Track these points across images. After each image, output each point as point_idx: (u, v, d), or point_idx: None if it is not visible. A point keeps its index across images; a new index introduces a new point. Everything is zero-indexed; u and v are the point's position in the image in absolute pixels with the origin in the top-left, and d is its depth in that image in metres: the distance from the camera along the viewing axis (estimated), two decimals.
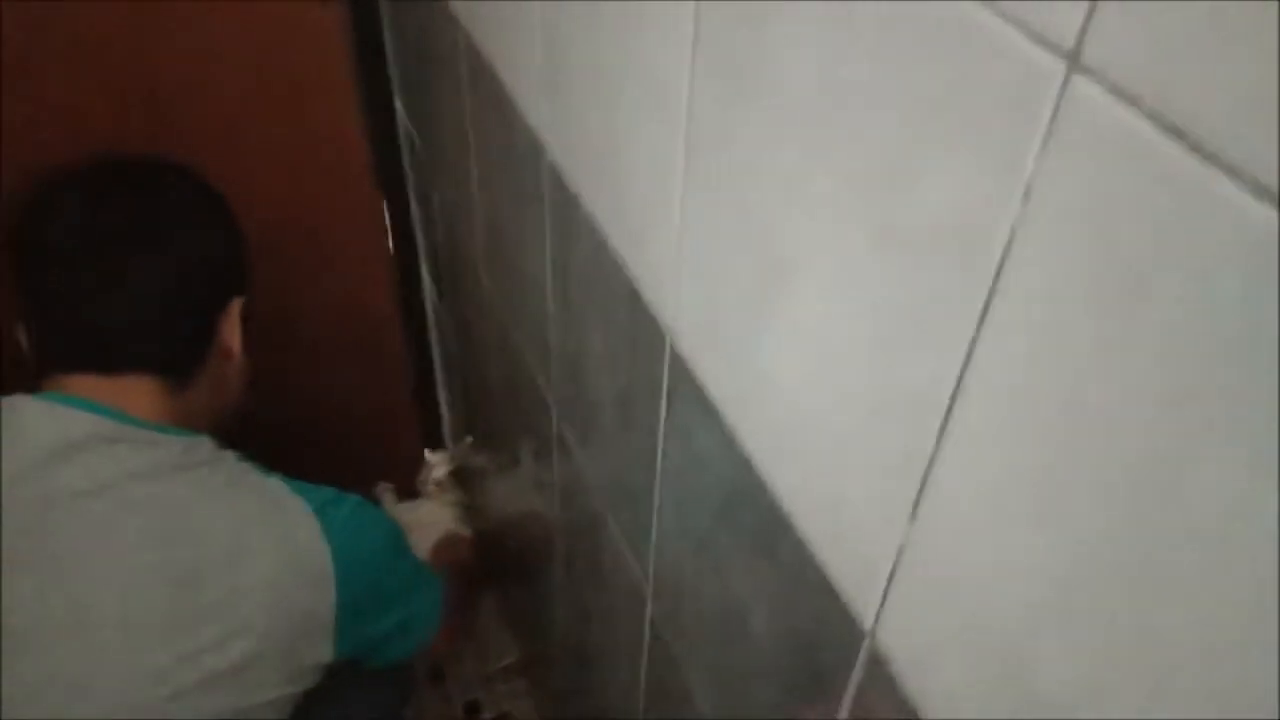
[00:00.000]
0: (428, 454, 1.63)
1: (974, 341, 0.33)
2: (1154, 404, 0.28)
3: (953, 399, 0.35)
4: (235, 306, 0.89)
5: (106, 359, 0.81)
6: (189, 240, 0.85)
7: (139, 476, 0.76)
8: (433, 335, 1.48)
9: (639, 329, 0.59)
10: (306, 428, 1.40)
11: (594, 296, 0.66)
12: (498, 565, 1.44)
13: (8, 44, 0.99)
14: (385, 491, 1.53)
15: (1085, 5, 0.26)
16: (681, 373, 0.54)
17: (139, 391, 0.81)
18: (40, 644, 0.71)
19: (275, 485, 0.81)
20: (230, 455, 0.83)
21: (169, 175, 0.88)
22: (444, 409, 1.59)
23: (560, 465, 0.89)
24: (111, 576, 0.73)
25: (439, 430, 1.62)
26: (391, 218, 1.30)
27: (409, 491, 1.56)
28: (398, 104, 1.18)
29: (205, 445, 0.82)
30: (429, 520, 1.46)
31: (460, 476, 1.53)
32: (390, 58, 1.15)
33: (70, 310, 0.81)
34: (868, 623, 0.43)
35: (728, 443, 0.51)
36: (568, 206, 0.66)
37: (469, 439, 1.49)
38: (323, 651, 0.80)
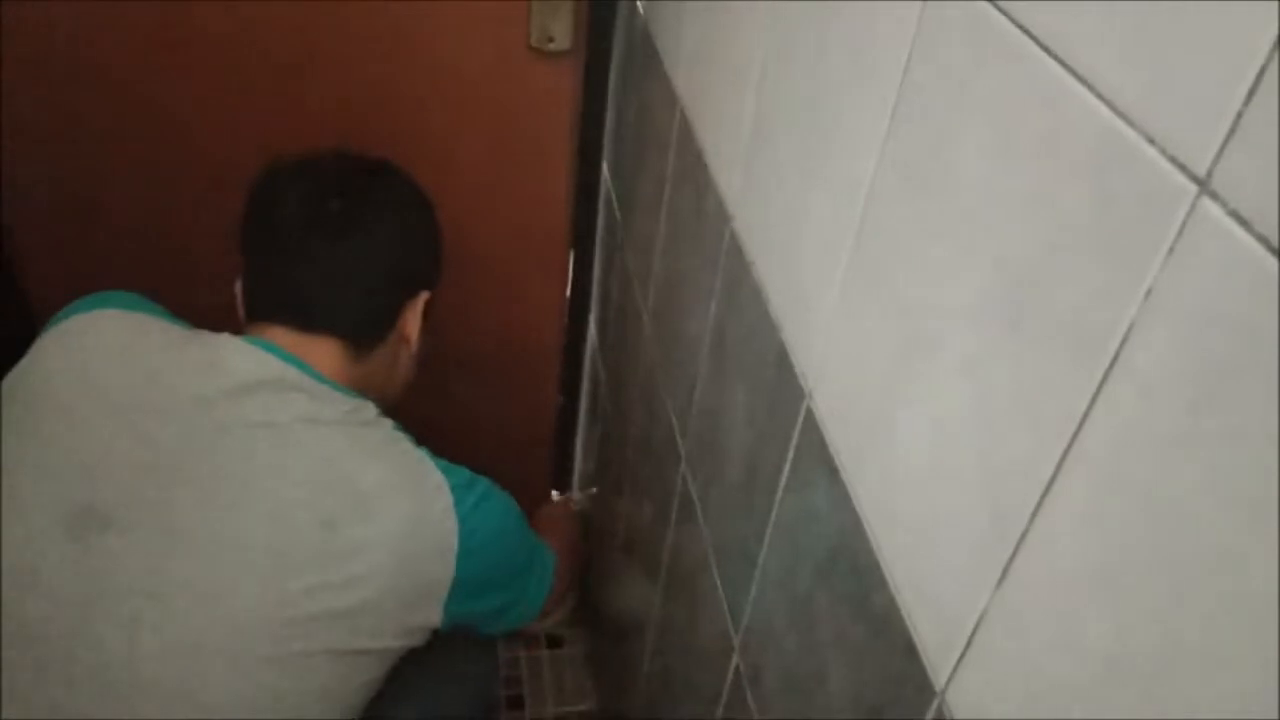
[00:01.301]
0: (554, 495, 1.70)
1: (1080, 427, 0.37)
2: (1228, 503, 0.31)
3: (1052, 479, 0.39)
4: (421, 299, 1.00)
5: (304, 317, 0.92)
6: (396, 231, 0.96)
7: (307, 421, 0.85)
8: (584, 383, 1.56)
9: (781, 388, 0.64)
10: (446, 441, 1.49)
11: (745, 355, 0.72)
12: (594, 611, 1.49)
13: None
14: None
15: (1218, 141, 0.31)
16: (812, 431, 0.59)
17: (324, 351, 0.92)
18: (189, 548, 0.80)
19: (420, 457, 0.89)
20: (389, 423, 0.92)
21: (388, 172, 1.00)
22: (578, 455, 1.66)
23: (678, 516, 0.94)
24: (265, 503, 0.82)
25: (569, 475, 1.69)
26: (574, 266, 1.39)
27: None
28: (605, 165, 1.28)
29: (369, 409, 0.91)
30: None
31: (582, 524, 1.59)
32: (608, 122, 1.25)
33: (282, 273, 0.93)
34: (940, 682, 0.46)
35: (842, 500, 0.55)
36: (740, 270, 0.72)
37: (594, 489, 1.55)
38: (432, 616, 0.87)
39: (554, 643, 1.57)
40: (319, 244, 0.92)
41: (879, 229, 0.52)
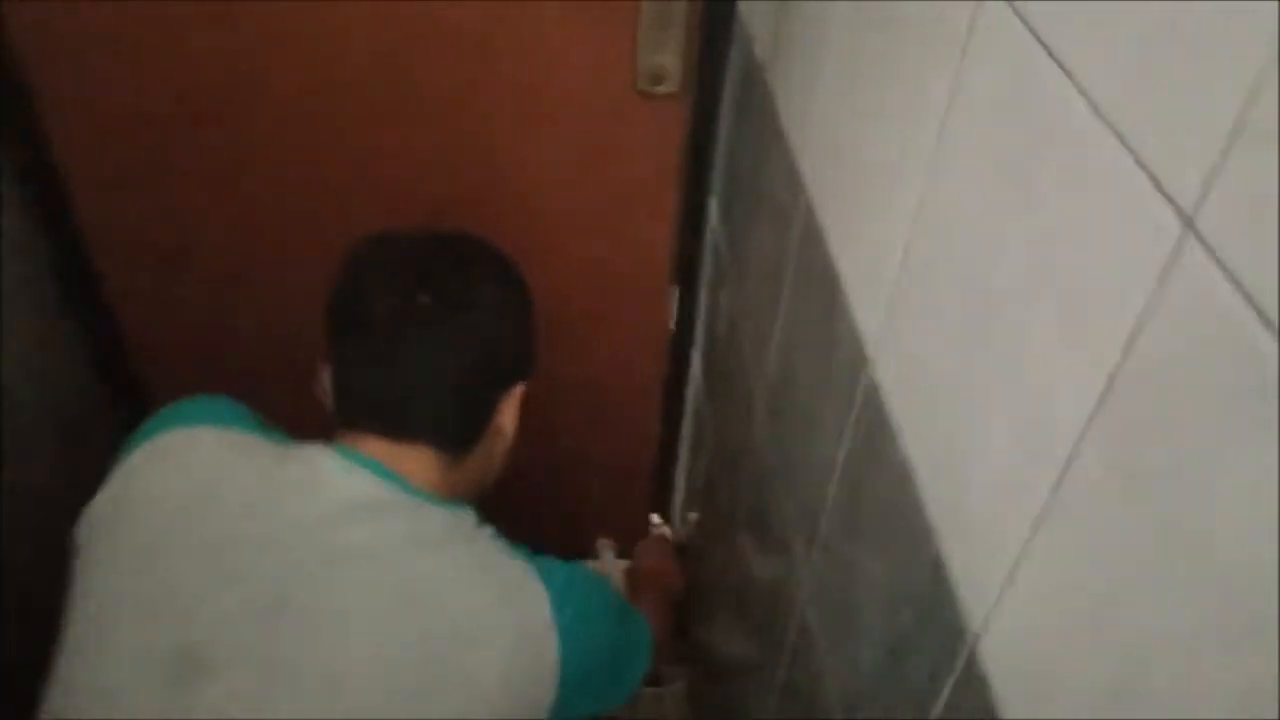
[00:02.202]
0: (653, 518, 1.65)
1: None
2: None
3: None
4: (518, 391, 0.94)
5: (397, 426, 0.86)
6: (492, 327, 0.90)
7: (408, 545, 0.81)
8: (687, 413, 1.49)
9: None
10: (548, 472, 1.45)
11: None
12: (695, 645, 1.44)
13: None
14: (606, 548, 1.56)
15: None
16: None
17: (418, 460, 0.87)
18: (291, 690, 0.76)
19: (520, 570, 0.84)
20: (487, 532, 0.87)
21: (482, 258, 0.93)
22: (679, 483, 1.60)
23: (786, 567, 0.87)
24: (369, 638, 0.78)
25: (669, 501, 1.63)
26: (680, 302, 1.32)
27: (628, 551, 1.58)
28: (712, 205, 1.19)
29: (467, 520, 0.86)
30: None
31: (680, 552, 1.53)
32: (717, 160, 1.16)
33: (372, 378, 0.87)
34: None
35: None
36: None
37: (694, 515, 1.49)
38: None
39: (652, 680, 1.52)
40: (409, 346, 0.86)
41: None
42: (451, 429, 0.89)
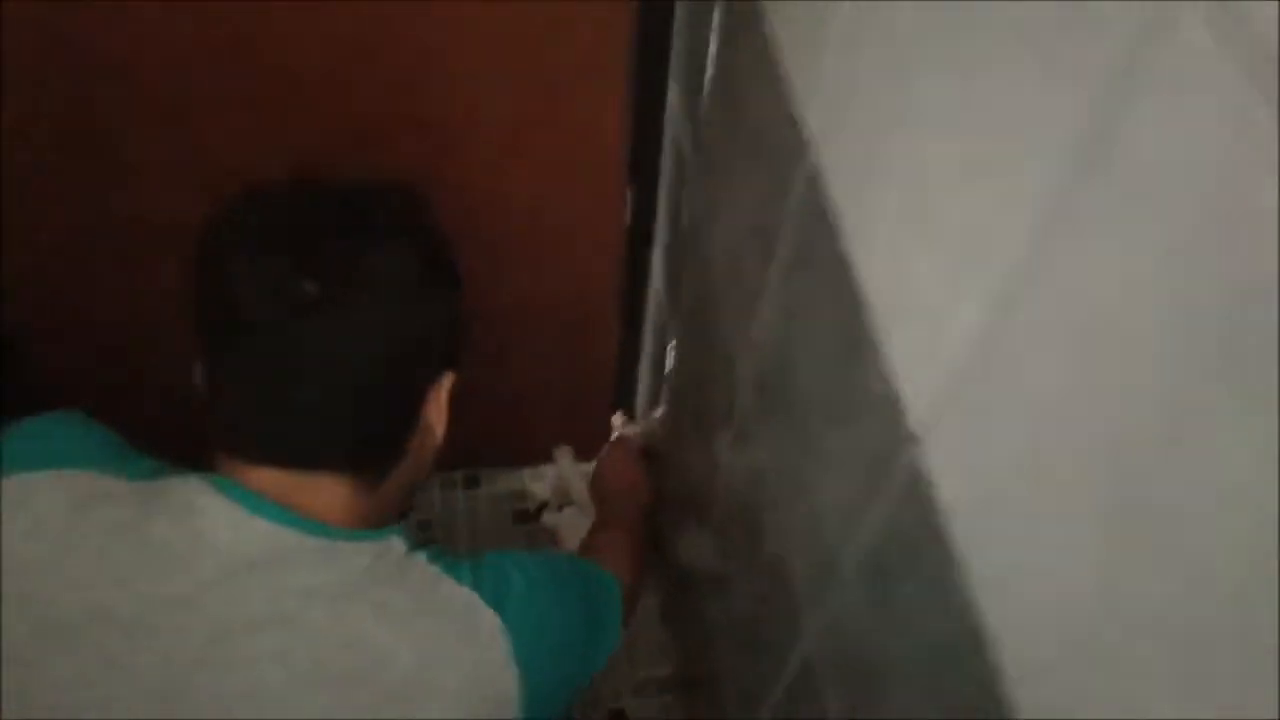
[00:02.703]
0: (615, 417, 1.59)
1: None
2: None
3: None
4: (446, 383, 0.78)
5: (294, 457, 0.71)
6: (403, 307, 0.72)
7: (321, 601, 0.67)
8: (649, 310, 1.42)
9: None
10: (504, 377, 1.38)
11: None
12: (665, 556, 1.41)
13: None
14: (564, 454, 1.51)
15: None
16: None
17: (328, 491, 0.72)
18: None
19: (464, 602, 0.71)
20: (420, 560, 0.73)
21: (380, 213, 0.74)
22: (642, 379, 1.54)
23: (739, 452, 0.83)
24: None
25: (632, 401, 1.58)
26: (638, 200, 1.22)
27: (588, 454, 1.53)
28: (670, 100, 1.08)
29: (395, 549, 0.72)
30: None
31: (647, 457, 1.48)
32: (677, 47, 1.04)
33: (254, 398, 0.70)
34: None
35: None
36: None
37: (659, 410, 1.43)
38: None
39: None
40: (295, 351, 0.68)
41: None
42: (366, 451, 0.73)
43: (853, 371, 0.59)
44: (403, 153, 1.04)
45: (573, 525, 1.41)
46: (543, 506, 1.53)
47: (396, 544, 0.73)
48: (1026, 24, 0.39)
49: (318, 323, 0.68)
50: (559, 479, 1.54)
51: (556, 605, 0.78)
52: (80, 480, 0.69)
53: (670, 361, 1.30)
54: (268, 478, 0.70)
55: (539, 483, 1.56)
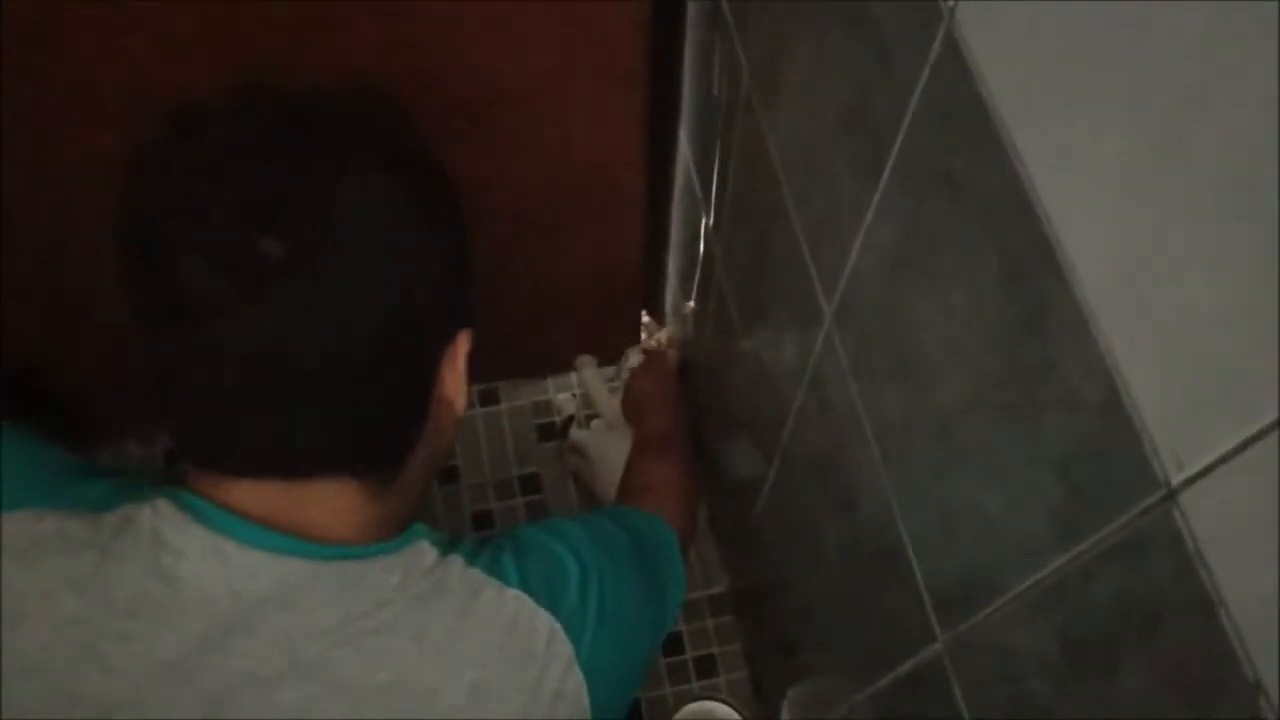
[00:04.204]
0: (644, 316, 1.45)
1: None
2: None
3: None
4: (463, 344, 0.63)
5: (286, 465, 0.57)
6: (404, 264, 0.56)
7: (345, 638, 0.55)
8: (675, 197, 1.25)
9: None
10: (512, 284, 1.22)
11: None
12: (710, 466, 1.28)
13: None
14: (586, 364, 1.37)
15: None
16: None
17: (334, 503, 0.58)
18: None
19: (513, 607, 0.59)
20: (457, 564, 0.60)
21: (355, 136, 0.57)
22: (671, 277, 1.39)
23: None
24: None
25: (660, 298, 1.43)
26: (652, 69, 1.04)
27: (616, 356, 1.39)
28: None
29: (425, 559, 0.59)
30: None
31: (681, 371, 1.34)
32: None
33: (224, 394, 0.54)
34: None
35: None
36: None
37: (690, 306, 1.29)
38: None
39: None
40: (265, 334, 0.52)
41: None
42: (372, 447, 0.59)
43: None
44: (366, 37, 0.86)
45: (601, 442, 1.29)
46: (569, 420, 1.40)
47: (425, 549, 0.60)
48: None
49: (288, 294, 0.51)
50: (582, 391, 1.40)
51: (616, 588, 0.65)
52: (19, 523, 0.54)
53: (704, 249, 1.15)
54: (255, 493, 0.56)
55: (564, 394, 1.43)
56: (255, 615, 0.53)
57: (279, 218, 0.51)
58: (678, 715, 1.15)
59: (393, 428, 0.61)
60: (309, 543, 0.56)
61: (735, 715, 1.15)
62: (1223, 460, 0.35)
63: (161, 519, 0.54)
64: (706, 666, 1.28)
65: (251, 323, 0.52)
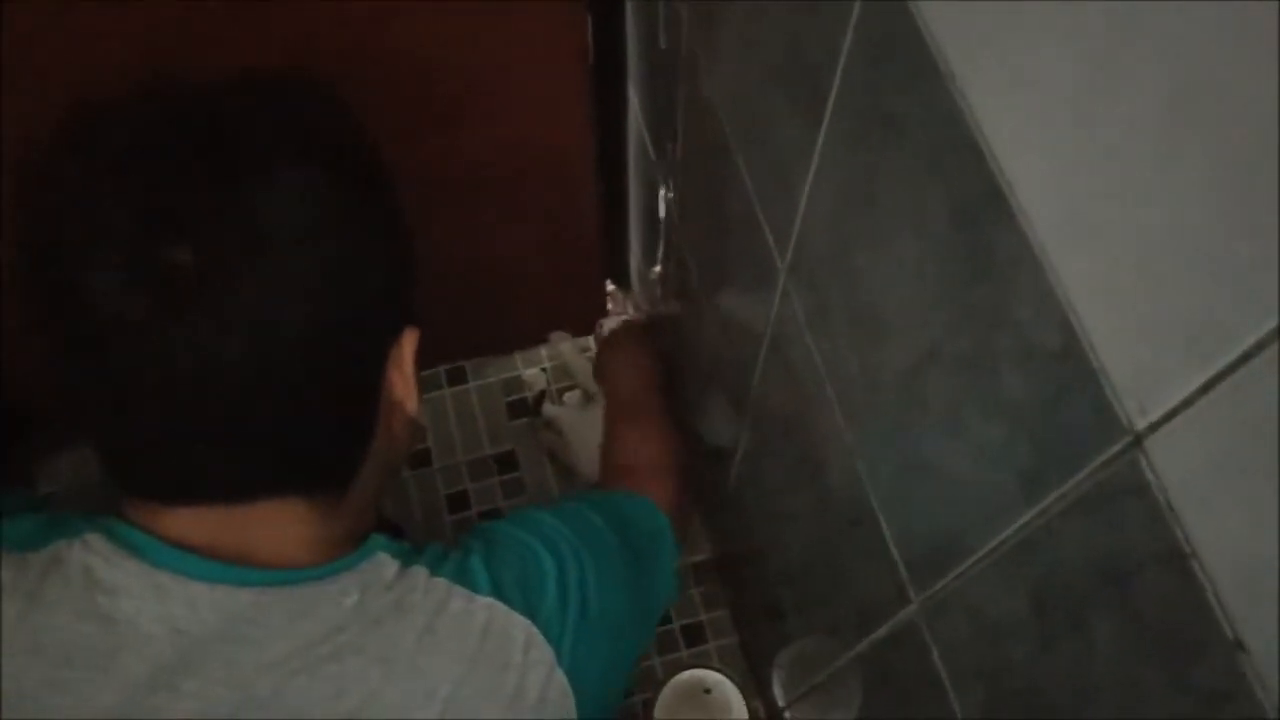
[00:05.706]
0: (609, 288, 1.42)
1: None
2: None
3: None
4: (409, 343, 0.59)
5: (222, 489, 0.53)
6: (334, 264, 0.51)
7: (302, 666, 0.51)
8: (630, 160, 1.21)
9: None
10: (471, 260, 1.19)
11: None
12: (687, 430, 1.25)
13: None
14: (561, 339, 1.34)
15: None
16: None
17: (279, 524, 0.54)
18: None
19: (487, 613, 0.56)
20: (420, 575, 0.56)
21: (286, 132, 0.52)
22: (633, 242, 1.35)
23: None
24: None
25: (624, 264, 1.39)
26: (600, 23, 1.00)
27: (584, 329, 1.36)
28: None
29: (385, 574, 0.56)
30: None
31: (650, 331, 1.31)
32: None
33: (144, 417, 0.50)
34: None
35: None
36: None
37: (656, 270, 1.26)
38: None
39: None
40: (181, 351, 0.48)
41: None
42: (315, 462, 0.55)
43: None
44: (300, 15, 0.81)
45: (578, 417, 1.25)
46: (541, 396, 1.37)
47: (385, 562, 0.56)
48: None
49: (202, 307, 0.47)
50: (560, 365, 1.37)
51: (599, 582, 0.62)
52: None
53: (664, 212, 1.11)
54: (195, 521, 0.52)
55: (533, 369, 1.40)
56: (201, 652, 0.50)
57: (189, 223, 0.47)
58: (669, 683, 1.14)
59: (339, 441, 0.57)
60: (255, 569, 0.52)
61: (726, 680, 1.14)
62: (1187, 403, 0.32)
63: (93, 555, 0.51)
64: (694, 634, 1.27)
65: (166, 341, 0.47)
